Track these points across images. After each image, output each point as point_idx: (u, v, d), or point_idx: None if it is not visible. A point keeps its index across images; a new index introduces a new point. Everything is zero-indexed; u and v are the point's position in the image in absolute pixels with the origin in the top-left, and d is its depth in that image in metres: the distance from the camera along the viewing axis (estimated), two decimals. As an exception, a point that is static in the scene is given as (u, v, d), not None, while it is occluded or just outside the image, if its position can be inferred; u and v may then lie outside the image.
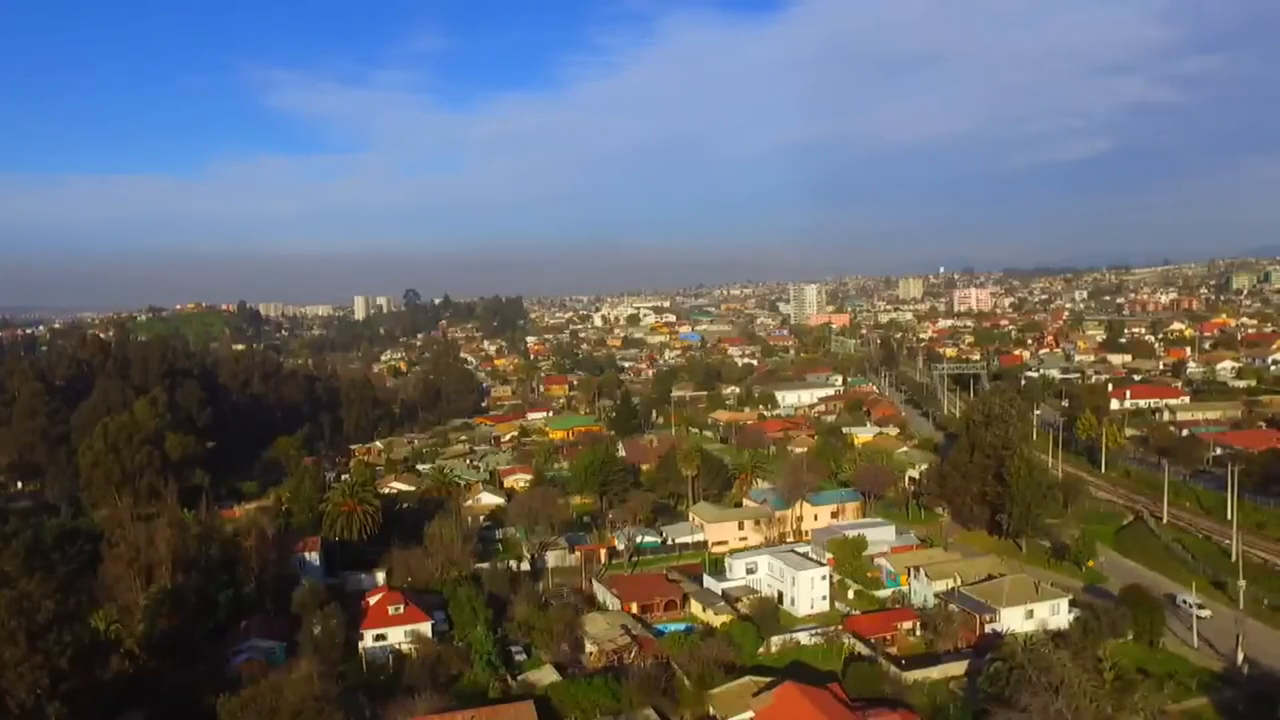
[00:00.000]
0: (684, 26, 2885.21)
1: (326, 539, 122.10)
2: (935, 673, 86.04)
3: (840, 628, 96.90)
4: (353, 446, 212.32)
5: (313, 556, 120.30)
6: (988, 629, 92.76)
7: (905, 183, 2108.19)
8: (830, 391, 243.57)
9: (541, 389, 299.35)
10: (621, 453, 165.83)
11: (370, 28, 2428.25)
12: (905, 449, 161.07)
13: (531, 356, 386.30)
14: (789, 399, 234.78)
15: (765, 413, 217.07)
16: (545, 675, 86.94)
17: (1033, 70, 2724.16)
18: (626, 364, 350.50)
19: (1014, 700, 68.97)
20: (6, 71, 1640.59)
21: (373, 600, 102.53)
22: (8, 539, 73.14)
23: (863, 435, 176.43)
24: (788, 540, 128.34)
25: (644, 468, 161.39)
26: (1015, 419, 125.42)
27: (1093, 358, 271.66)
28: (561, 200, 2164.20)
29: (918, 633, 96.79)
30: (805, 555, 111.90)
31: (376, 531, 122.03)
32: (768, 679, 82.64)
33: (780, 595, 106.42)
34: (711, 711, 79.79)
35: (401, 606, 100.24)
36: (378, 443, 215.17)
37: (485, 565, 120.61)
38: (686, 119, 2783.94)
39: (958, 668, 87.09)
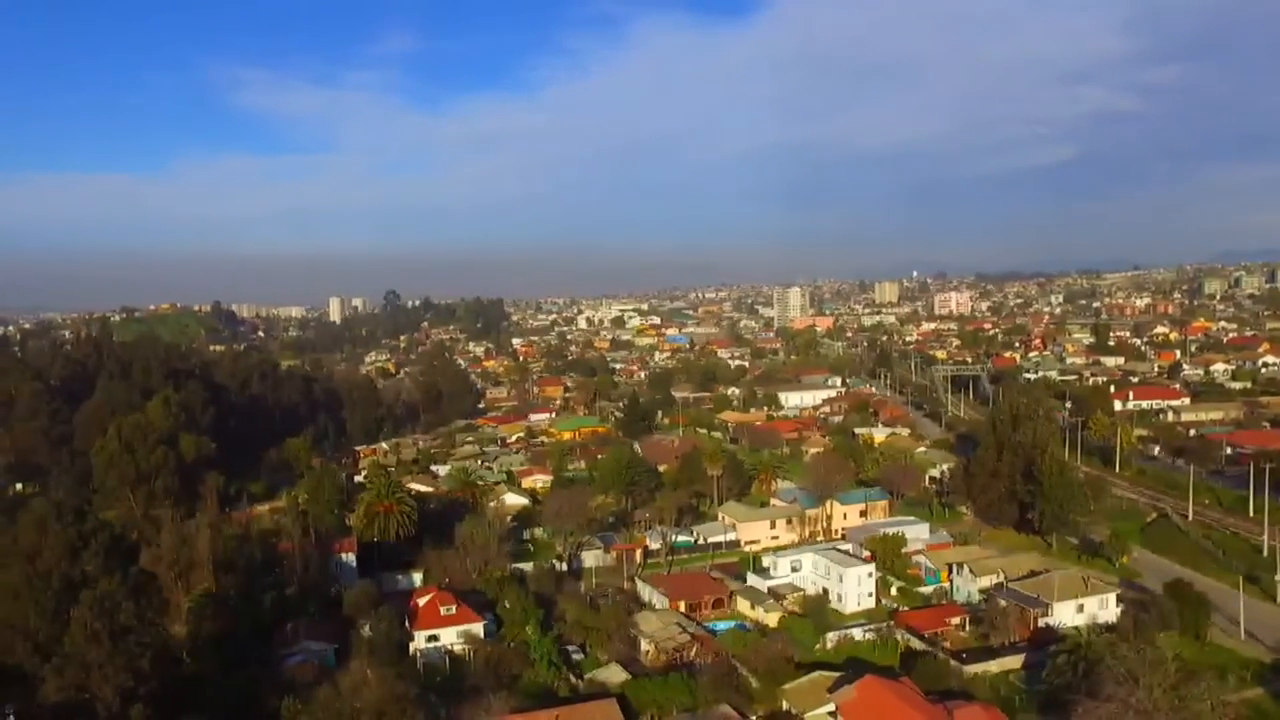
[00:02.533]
0: (654, 30, 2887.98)
1: (362, 540, 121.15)
2: (994, 666, 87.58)
3: (892, 624, 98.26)
4: (357, 448, 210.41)
5: (348, 558, 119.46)
6: (1040, 623, 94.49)
7: (875, 187, 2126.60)
8: (831, 393, 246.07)
9: (536, 390, 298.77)
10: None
11: (339, 28, 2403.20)
12: (923, 449, 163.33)
13: (521, 358, 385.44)
14: (791, 400, 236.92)
15: (773, 413, 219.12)
16: (614, 674, 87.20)
17: (999, 78, 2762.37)
18: (617, 366, 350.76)
19: (1096, 691, 70.42)
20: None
21: (422, 601, 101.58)
22: (86, 539, 71.80)
23: (876, 436, 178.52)
24: (817, 539, 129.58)
25: (662, 468, 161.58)
26: (1043, 419, 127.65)
27: (1083, 360, 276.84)
28: (533, 202, 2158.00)
29: (966, 628, 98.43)
30: (846, 553, 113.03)
31: (412, 532, 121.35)
32: (836, 674, 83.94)
33: (825, 592, 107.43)
34: (784, 706, 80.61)
35: (453, 607, 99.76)
36: (383, 444, 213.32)
37: (523, 566, 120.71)
38: (657, 122, 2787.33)
39: (1014, 661, 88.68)
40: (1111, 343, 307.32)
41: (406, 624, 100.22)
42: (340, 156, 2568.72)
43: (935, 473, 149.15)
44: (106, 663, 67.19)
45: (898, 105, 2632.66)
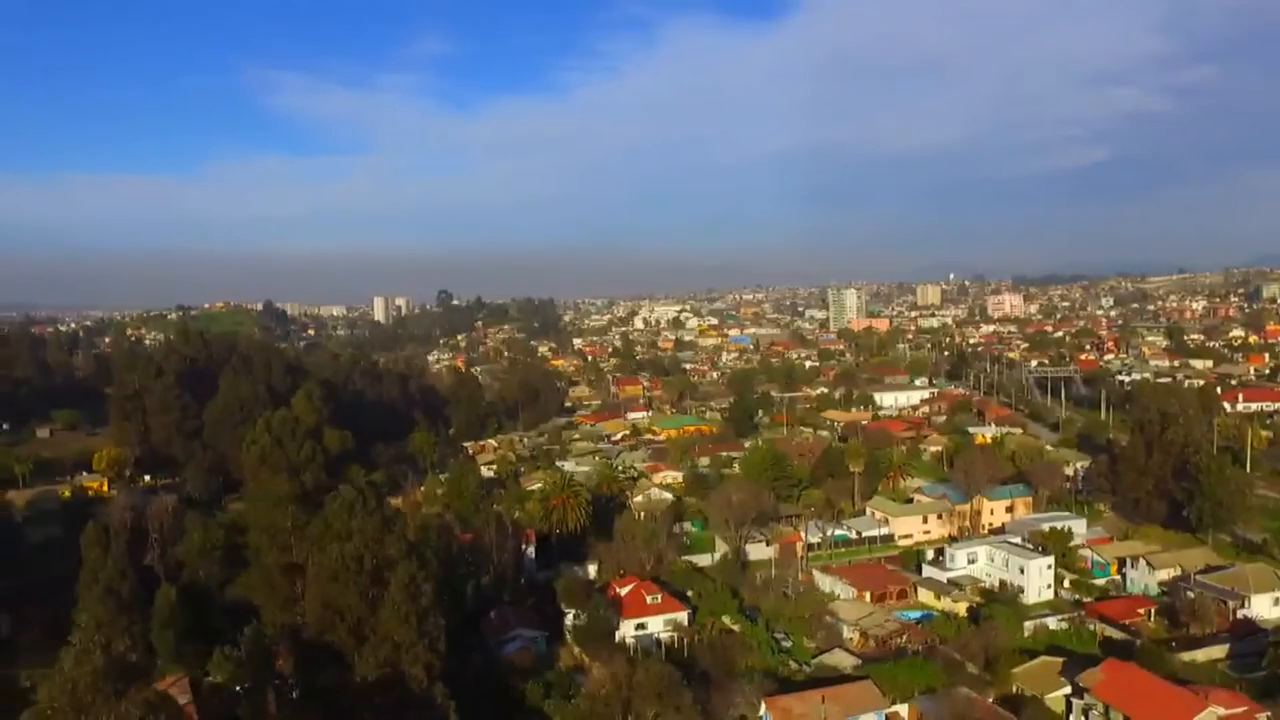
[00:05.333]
0: (684, 32, 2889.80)
1: (540, 532, 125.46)
2: (1200, 655, 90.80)
3: (1083, 614, 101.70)
4: (465, 444, 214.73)
5: (528, 549, 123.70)
6: (1239, 615, 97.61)
7: (905, 189, 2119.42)
8: (925, 393, 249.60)
9: (615, 390, 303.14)
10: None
11: (371, 31, 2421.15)
12: (1052, 447, 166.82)
13: (590, 358, 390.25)
14: (886, 399, 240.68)
15: (877, 413, 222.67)
16: (841, 659, 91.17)
17: (1030, 79, 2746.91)
18: (687, 366, 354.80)
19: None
20: (5, 70, 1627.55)
21: (623, 590, 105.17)
22: (389, 523, 76.12)
23: (989, 435, 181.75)
24: (965, 533, 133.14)
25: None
26: (1194, 419, 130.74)
27: (1167, 363, 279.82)
28: (563, 203, 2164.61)
29: (1152, 619, 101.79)
30: (1017, 545, 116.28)
31: (588, 524, 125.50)
32: (1061, 659, 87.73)
33: (1002, 584, 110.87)
34: (1016, 689, 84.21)
35: (659, 596, 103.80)
36: (492, 440, 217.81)
37: (692, 558, 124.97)
38: (687, 124, 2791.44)
39: (1219, 651, 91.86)
40: (1193, 346, 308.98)
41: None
42: (373, 158, 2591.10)
43: (1068, 470, 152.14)
44: (415, 642, 71.25)
45: (928, 107, 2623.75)
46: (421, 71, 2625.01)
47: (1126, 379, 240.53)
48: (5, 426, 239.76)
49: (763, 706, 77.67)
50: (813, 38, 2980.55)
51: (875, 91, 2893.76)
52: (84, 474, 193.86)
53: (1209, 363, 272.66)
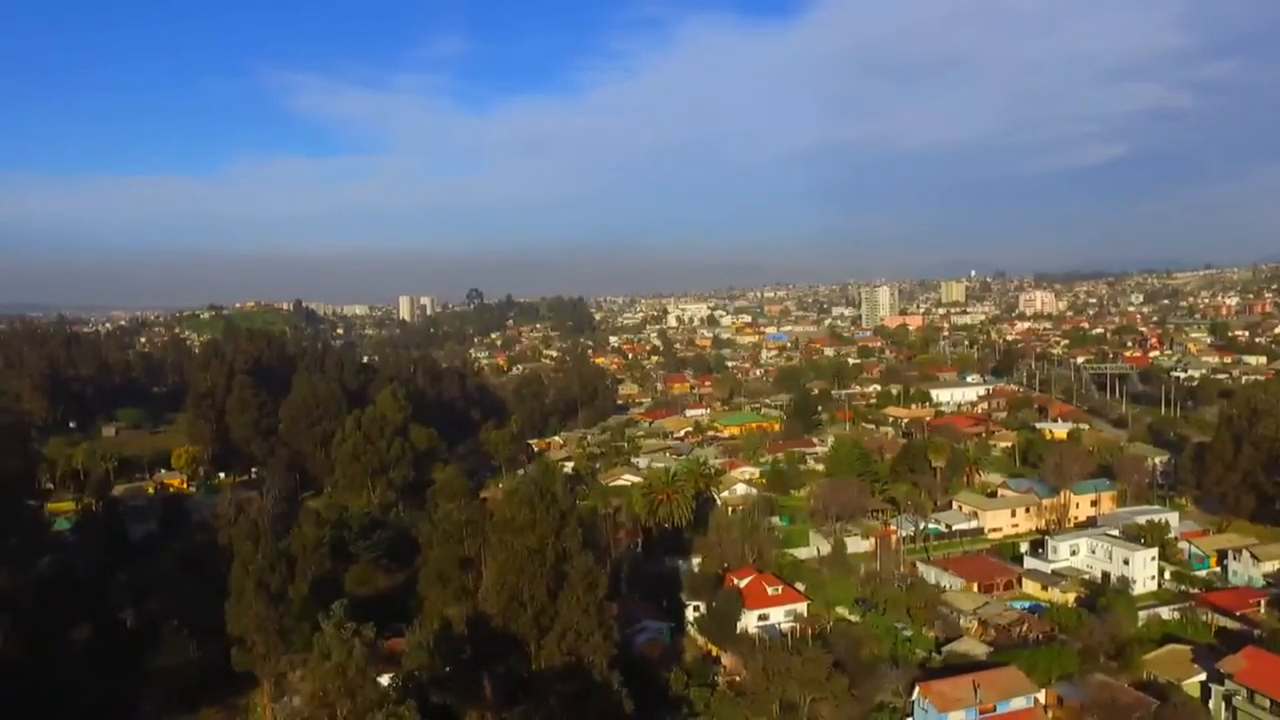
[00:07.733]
0: (700, 31, 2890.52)
1: (646, 526, 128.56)
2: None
3: (1194, 605, 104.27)
4: (529, 441, 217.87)
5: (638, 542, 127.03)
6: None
7: (922, 187, 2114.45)
8: (981, 390, 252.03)
9: (661, 388, 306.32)
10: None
11: (388, 32, 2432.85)
12: (1131, 443, 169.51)
13: (631, 356, 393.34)
14: (943, 396, 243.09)
15: (941, 410, 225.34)
16: (973, 647, 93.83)
17: (1047, 76, 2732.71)
18: (730, 364, 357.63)
19: None
20: (31, 73, 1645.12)
21: (742, 582, 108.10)
22: (565, 516, 79.31)
23: (1061, 431, 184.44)
24: (1052, 527, 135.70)
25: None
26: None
27: (1218, 359, 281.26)
28: (579, 202, 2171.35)
29: (1262, 609, 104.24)
30: (1117, 538, 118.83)
31: (691, 519, 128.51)
32: (1189, 646, 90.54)
33: (1105, 575, 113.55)
34: (1147, 675, 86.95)
35: (779, 587, 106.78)
36: (557, 437, 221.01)
37: (793, 550, 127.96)
38: (703, 123, 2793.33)
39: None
40: (1242, 342, 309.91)
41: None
42: (389, 159, 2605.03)
43: (1148, 465, 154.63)
44: (595, 631, 74.33)
45: (944, 104, 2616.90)
46: (437, 72, 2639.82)
47: (1183, 375, 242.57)
48: (73, 425, 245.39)
49: (916, 691, 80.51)
50: (828, 36, 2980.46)
51: (891, 89, 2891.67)
52: (163, 471, 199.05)
53: (1262, 359, 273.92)
